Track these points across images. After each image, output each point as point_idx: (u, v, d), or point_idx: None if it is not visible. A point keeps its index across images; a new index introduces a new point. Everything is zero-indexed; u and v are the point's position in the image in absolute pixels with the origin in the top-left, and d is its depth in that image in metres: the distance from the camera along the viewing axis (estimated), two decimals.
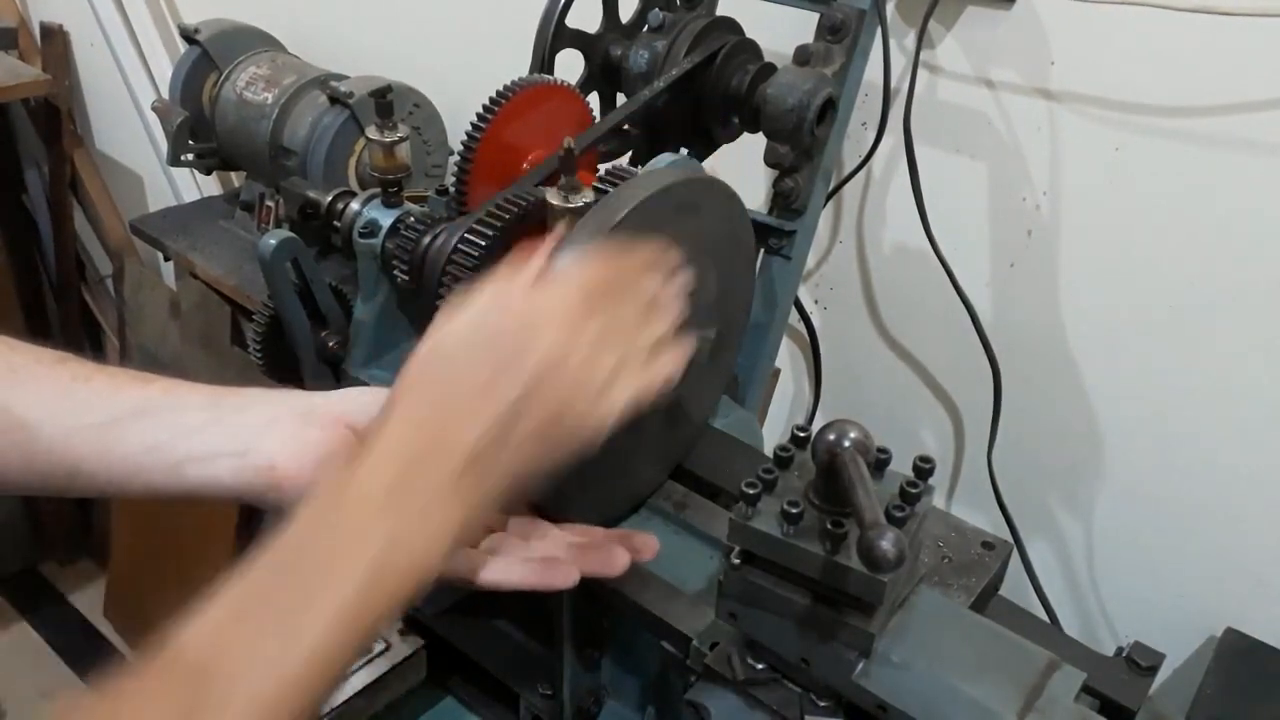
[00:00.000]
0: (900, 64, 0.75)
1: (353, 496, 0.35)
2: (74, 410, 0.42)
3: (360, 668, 0.63)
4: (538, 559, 0.45)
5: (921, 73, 0.76)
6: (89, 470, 0.42)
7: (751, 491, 0.43)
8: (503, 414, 0.37)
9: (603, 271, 0.41)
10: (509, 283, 0.40)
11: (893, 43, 0.72)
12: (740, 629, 0.47)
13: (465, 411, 0.37)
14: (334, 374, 0.61)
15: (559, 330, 0.38)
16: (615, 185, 0.51)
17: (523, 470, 0.38)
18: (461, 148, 0.56)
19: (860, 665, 0.43)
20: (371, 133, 0.56)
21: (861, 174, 0.82)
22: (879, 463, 0.44)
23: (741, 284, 0.57)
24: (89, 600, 1.77)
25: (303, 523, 0.35)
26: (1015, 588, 0.67)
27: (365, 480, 0.36)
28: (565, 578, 0.44)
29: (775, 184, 0.65)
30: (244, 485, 0.42)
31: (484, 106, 0.57)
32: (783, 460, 0.45)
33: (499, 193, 0.53)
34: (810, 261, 0.89)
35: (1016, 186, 0.76)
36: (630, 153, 0.66)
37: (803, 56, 0.62)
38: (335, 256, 0.60)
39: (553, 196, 0.47)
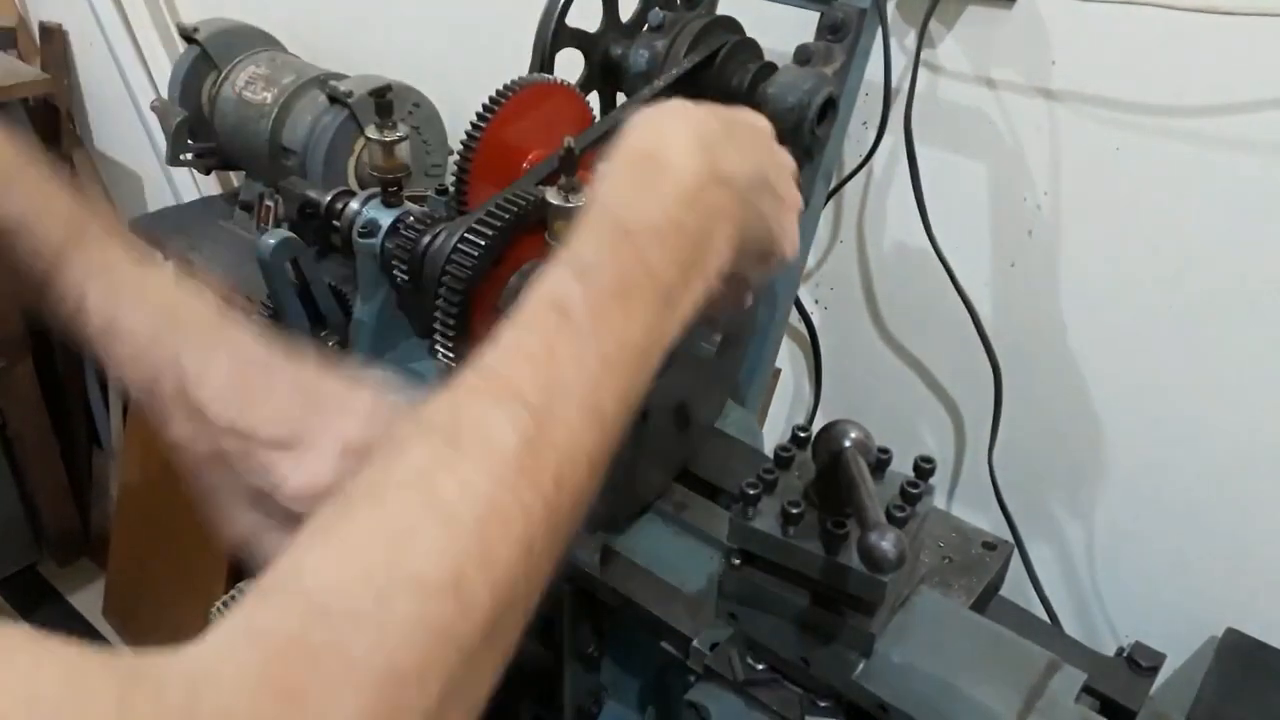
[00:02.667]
0: (901, 63, 0.75)
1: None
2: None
3: None
4: None
5: (922, 72, 0.76)
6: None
7: (752, 492, 0.43)
8: (763, 172, 0.38)
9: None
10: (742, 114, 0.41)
11: (893, 42, 0.71)
12: (740, 629, 0.47)
13: (737, 146, 0.38)
14: None
15: (789, 157, 0.41)
16: None
17: (748, 236, 0.38)
18: (461, 147, 0.56)
19: (861, 665, 0.43)
20: (371, 132, 0.56)
21: (862, 173, 0.82)
22: (879, 463, 0.44)
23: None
24: (89, 600, 1.77)
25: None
26: (1016, 588, 0.67)
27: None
28: None
29: None
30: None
31: (484, 106, 0.56)
32: (783, 460, 0.45)
33: (499, 192, 0.53)
34: (810, 261, 0.89)
35: (1017, 186, 0.76)
36: None
37: (803, 56, 0.62)
38: (335, 256, 0.60)
39: (553, 196, 0.47)
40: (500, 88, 0.57)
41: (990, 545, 0.57)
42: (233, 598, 0.71)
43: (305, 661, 0.22)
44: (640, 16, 0.66)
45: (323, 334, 0.60)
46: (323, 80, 1.07)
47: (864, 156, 0.80)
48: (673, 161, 0.35)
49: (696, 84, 0.63)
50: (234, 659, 0.22)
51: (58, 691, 0.20)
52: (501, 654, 0.27)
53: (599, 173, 0.36)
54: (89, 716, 0.20)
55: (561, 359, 0.30)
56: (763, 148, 0.40)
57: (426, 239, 0.52)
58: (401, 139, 0.56)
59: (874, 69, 0.69)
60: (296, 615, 0.23)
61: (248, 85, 1.12)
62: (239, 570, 1.18)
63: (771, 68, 0.63)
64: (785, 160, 0.41)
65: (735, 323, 0.57)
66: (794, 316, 0.84)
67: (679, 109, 0.38)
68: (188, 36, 1.16)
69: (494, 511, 0.26)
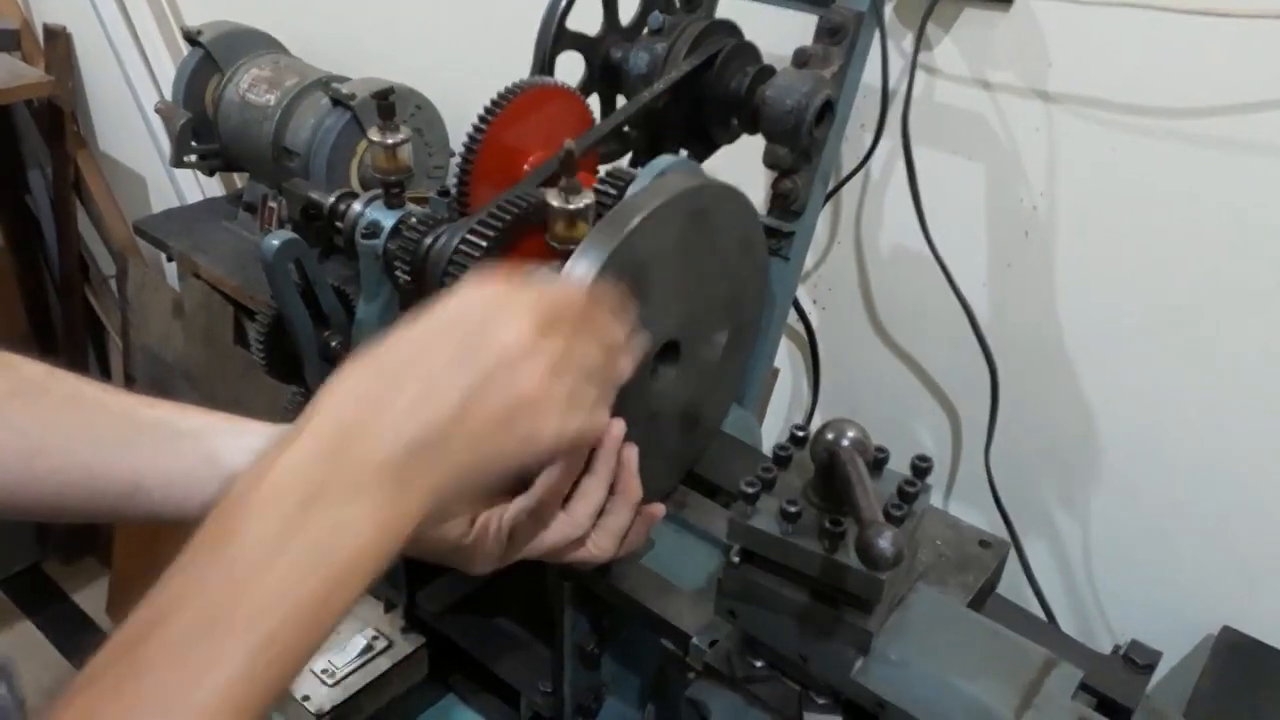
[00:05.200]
0: (898, 66, 0.76)
1: (271, 482, 0.33)
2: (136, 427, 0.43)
3: (362, 665, 0.63)
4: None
5: (919, 74, 0.76)
6: (148, 486, 0.42)
7: (751, 490, 0.43)
8: (454, 400, 0.35)
9: (577, 300, 0.40)
10: (486, 281, 0.39)
11: (891, 44, 0.72)
12: (739, 627, 0.47)
13: (417, 391, 0.35)
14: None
15: (526, 332, 0.37)
16: (615, 187, 0.52)
17: (472, 469, 0.36)
18: (463, 149, 0.57)
19: (859, 663, 0.44)
20: (373, 134, 0.56)
21: (860, 175, 0.82)
22: (877, 462, 0.44)
23: (753, 288, 0.58)
24: (92, 599, 1.77)
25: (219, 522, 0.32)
26: (1012, 586, 0.67)
27: (289, 463, 0.33)
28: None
29: (774, 185, 0.66)
30: None
31: (485, 108, 0.57)
32: (781, 459, 0.45)
33: (500, 194, 0.53)
34: (809, 262, 0.89)
35: (1014, 188, 0.77)
36: (630, 154, 0.66)
37: (801, 58, 0.63)
38: (337, 257, 0.60)
39: (553, 198, 0.47)
40: (501, 90, 0.58)
41: (987, 544, 0.58)
42: None
43: None
44: (640, 20, 0.67)
45: (326, 334, 0.61)
46: (325, 83, 1.07)
47: (862, 158, 0.80)
48: (274, 484, 0.32)
49: (695, 87, 0.63)
50: None
51: None
52: None
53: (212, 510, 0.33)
54: None
55: None
56: (460, 367, 0.35)
57: (429, 240, 0.53)
58: (404, 141, 0.56)
59: (871, 72, 0.69)
60: None
61: (251, 87, 1.13)
62: None
63: (770, 71, 0.63)
64: (511, 344, 0.36)
65: (740, 325, 0.57)
66: (792, 317, 0.85)
67: (327, 396, 0.35)
68: (191, 39, 1.17)
69: None
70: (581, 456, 0.46)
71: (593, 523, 0.48)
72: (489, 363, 0.36)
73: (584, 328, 0.39)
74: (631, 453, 0.47)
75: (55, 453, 0.43)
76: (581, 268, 0.44)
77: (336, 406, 0.35)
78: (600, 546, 0.49)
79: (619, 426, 0.47)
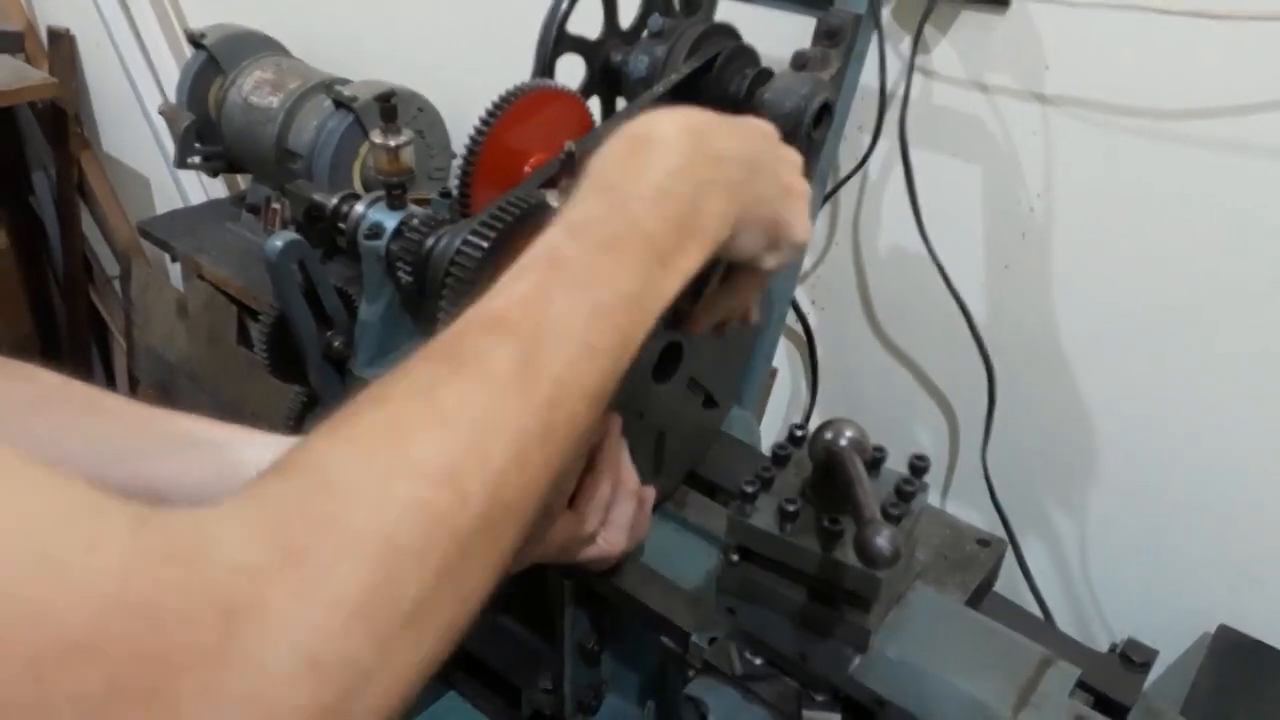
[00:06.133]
0: (896, 68, 0.76)
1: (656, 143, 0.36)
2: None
3: None
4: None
5: (917, 77, 0.76)
6: (166, 496, 0.43)
7: (749, 489, 0.43)
8: (762, 151, 0.40)
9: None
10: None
11: (888, 47, 0.72)
12: (738, 624, 0.47)
13: (734, 131, 0.39)
14: (339, 374, 0.62)
15: (793, 152, 0.42)
16: None
17: (748, 218, 0.39)
18: (464, 151, 0.57)
19: (857, 660, 0.44)
20: (376, 136, 0.56)
21: (858, 177, 0.83)
22: (875, 461, 0.44)
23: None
24: None
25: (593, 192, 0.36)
26: (1010, 585, 0.68)
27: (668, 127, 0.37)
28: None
29: None
30: None
31: (487, 111, 0.57)
32: (780, 459, 0.46)
33: (501, 196, 0.53)
34: (807, 263, 0.90)
35: (1011, 189, 0.77)
36: None
37: (799, 61, 0.63)
38: (340, 258, 0.60)
39: (554, 200, 0.48)
40: (502, 93, 0.58)
41: (984, 542, 0.58)
42: None
43: (308, 526, 0.24)
44: (640, 23, 0.67)
45: (328, 334, 0.61)
46: (328, 85, 1.08)
47: (860, 160, 0.81)
48: (661, 139, 0.37)
49: (695, 90, 0.64)
50: (241, 516, 0.23)
51: (72, 512, 0.21)
52: (498, 554, 0.29)
53: (593, 155, 0.38)
54: (102, 539, 0.21)
55: (554, 300, 0.32)
56: (760, 138, 0.41)
57: (430, 241, 0.53)
58: (406, 143, 0.57)
59: (869, 74, 0.69)
60: (302, 487, 0.25)
61: (254, 90, 1.13)
62: None
63: (768, 73, 0.63)
64: (789, 154, 0.43)
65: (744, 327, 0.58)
66: (791, 317, 0.85)
67: (674, 108, 0.39)
68: (195, 42, 1.18)
69: (489, 420, 0.28)
70: (583, 455, 0.47)
71: (600, 519, 0.48)
72: (779, 153, 0.42)
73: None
74: (623, 444, 0.48)
75: (75, 463, 0.43)
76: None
77: (683, 114, 0.38)
78: (611, 541, 0.49)
79: (619, 421, 0.47)
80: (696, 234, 0.36)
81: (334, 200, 0.58)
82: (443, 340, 0.31)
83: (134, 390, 1.55)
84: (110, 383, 1.83)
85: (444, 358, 0.30)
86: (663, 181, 0.36)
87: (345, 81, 1.09)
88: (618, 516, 0.49)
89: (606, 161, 0.37)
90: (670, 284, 0.35)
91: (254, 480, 0.25)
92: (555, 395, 0.30)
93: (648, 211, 0.35)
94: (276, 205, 1.20)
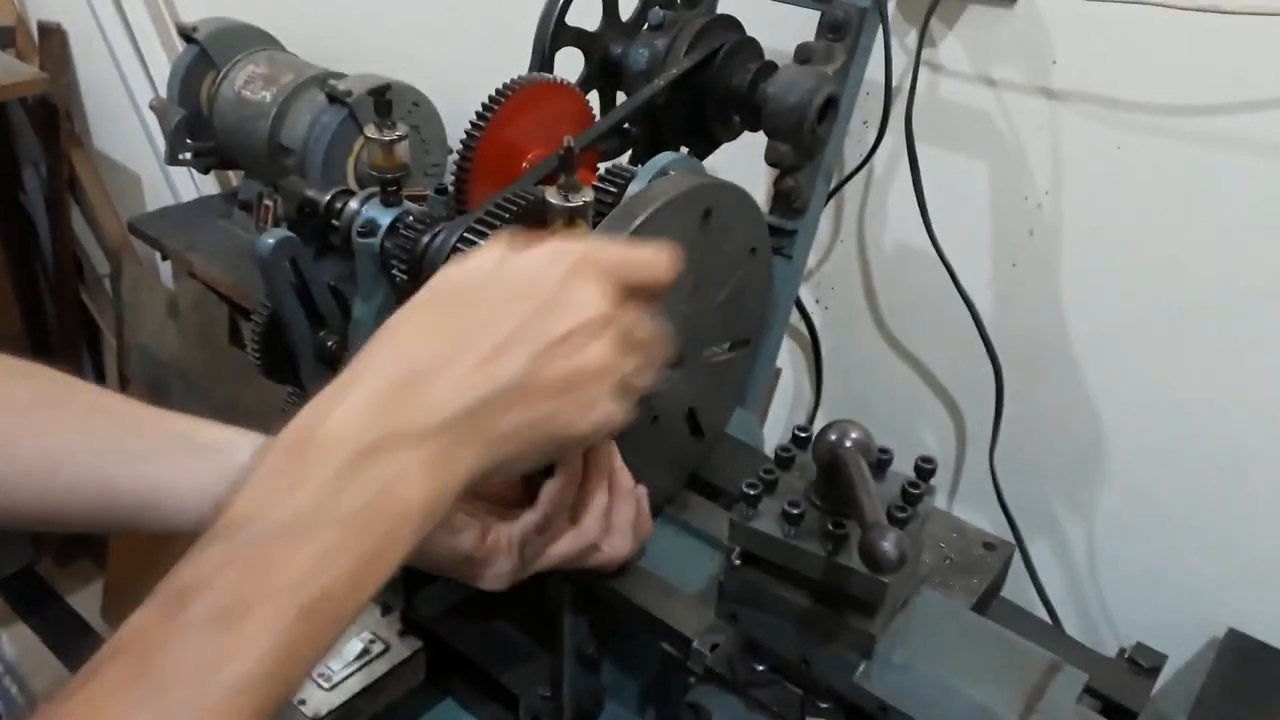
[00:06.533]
0: (902, 62, 0.75)
1: (331, 428, 0.31)
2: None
3: (359, 669, 0.62)
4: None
5: (923, 71, 0.76)
6: (163, 499, 0.42)
7: (752, 492, 0.42)
8: (523, 362, 0.33)
9: (654, 269, 0.37)
10: (552, 245, 0.36)
11: (894, 41, 0.71)
12: (741, 630, 0.46)
13: (488, 349, 0.33)
14: (333, 373, 0.61)
15: (602, 300, 0.35)
16: (615, 184, 0.51)
17: (526, 433, 0.34)
18: (461, 146, 0.56)
19: (861, 666, 0.43)
20: (370, 131, 0.56)
21: (863, 173, 0.82)
22: (880, 463, 0.44)
23: (760, 290, 0.57)
24: (87, 601, 1.76)
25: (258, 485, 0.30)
26: (1017, 588, 0.67)
27: (352, 407, 0.31)
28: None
29: (776, 183, 0.65)
30: None
31: (483, 105, 0.56)
32: (783, 461, 0.45)
33: (498, 192, 0.52)
34: (811, 261, 0.89)
35: (1018, 186, 0.76)
36: (630, 151, 0.66)
37: (804, 55, 0.62)
38: (334, 256, 0.59)
39: (552, 195, 0.47)
40: (500, 87, 0.57)
41: (991, 546, 0.57)
42: None
43: None
44: (640, 15, 0.66)
45: (321, 334, 0.60)
46: (322, 79, 1.06)
47: (865, 156, 0.80)
48: (325, 440, 0.31)
49: (696, 83, 0.63)
50: None
51: None
52: None
53: (250, 471, 0.31)
54: None
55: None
56: (525, 338, 0.33)
57: (426, 238, 0.52)
58: (401, 138, 0.56)
59: (875, 68, 0.68)
60: None
61: (246, 84, 1.12)
62: None
63: (772, 67, 0.62)
64: (576, 323, 0.34)
65: (746, 327, 0.57)
66: (794, 316, 0.84)
67: (384, 340, 0.33)
68: (187, 36, 1.16)
69: None
70: (579, 462, 0.46)
71: (602, 526, 0.47)
72: (563, 329, 0.34)
73: (642, 300, 0.37)
74: (614, 445, 0.47)
75: (76, 464, 0.42)
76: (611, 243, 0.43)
77: (401, 353, 0.33)
78: (615, 546, 0.48)
79: None
80: (386, 538, 0.30)
81: (327, 196, 0.57)
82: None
83: (124, 389, 1.54)
84: (101, 382, 1.82)
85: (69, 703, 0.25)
86: (314, 505, 0.29)
87: (339, 76, 1.08)
88: (619, 520, 0.48)
89: (250, 484, 0.30)
90: (341, 615, 0.29)
91: None
92: None
93: (284, 555, 0.28)
94: (269, 202, 1.19)
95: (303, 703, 0.60)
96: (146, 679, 0.26)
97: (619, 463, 0.48)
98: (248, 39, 1.17)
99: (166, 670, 0.27)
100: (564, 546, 0.47)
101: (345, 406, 0.32)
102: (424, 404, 0.32)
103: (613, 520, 0.48)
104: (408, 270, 0.53)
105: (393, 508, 0.31)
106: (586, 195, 0.47)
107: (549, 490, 0.45)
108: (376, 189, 0.56)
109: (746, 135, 0.66)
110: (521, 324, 0.34)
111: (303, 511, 0.30)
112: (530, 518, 0.46)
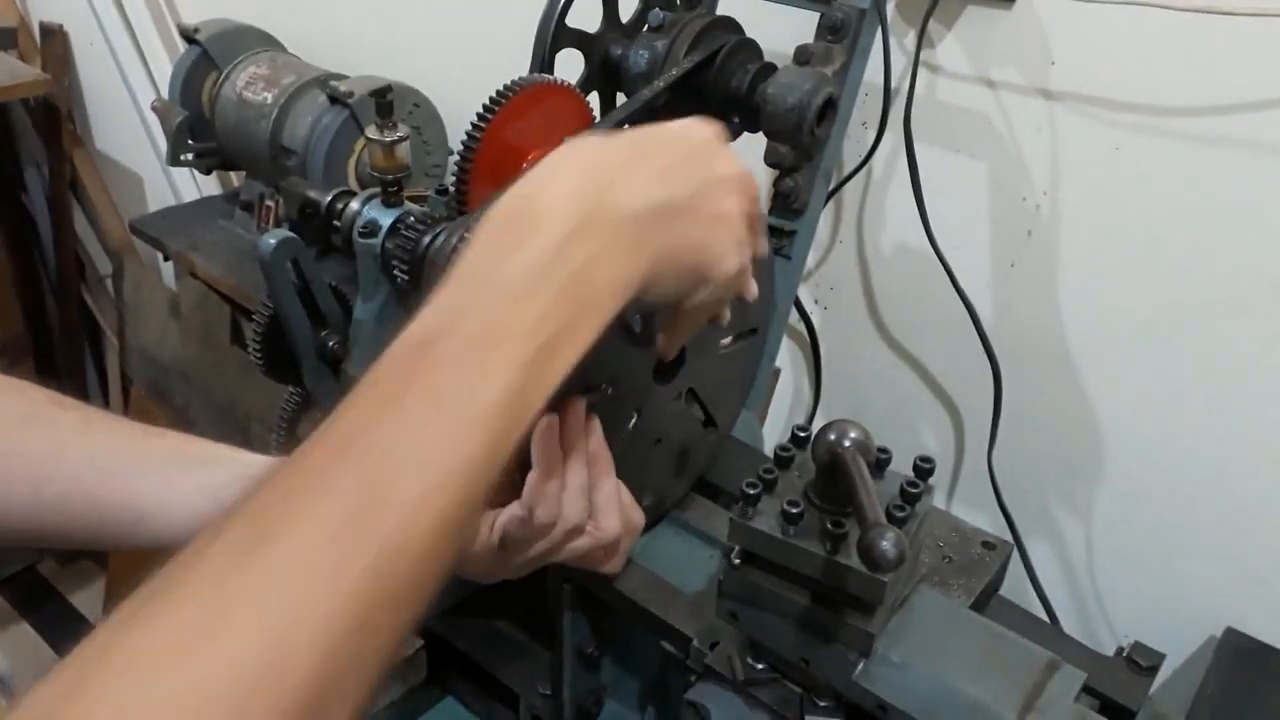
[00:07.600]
0: (900, 64, 0.75)
1: (541, 209, 0.34)
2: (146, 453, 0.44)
3: None
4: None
5: (922, 72, 0.76)
6: (151, 515, 0.43)
7: (752, 491, 0.43)
8: (688, 186, 0.37)
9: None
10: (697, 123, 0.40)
11: (893, 42, 0.71)
12: (740, 629, 0.47)
13: (660, 167, 0.36)
14: (334, 374, 0.61)
15: (736, 168, 0.39)
16: None
17: (684, 253, 0.37)
18: (461, 147, 0.56)
19: (860, 665, 0.44)
20: (371, 132, 0.56)
21: (862, 174, 0.82)
22: (879, 462, 0.44)
23: (763, 281, 0.57)
24: (89, 600, 1.77)
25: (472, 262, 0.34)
26: (1015, 588, 0.67)
27: (557, 192, 0.34)
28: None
29: (775, 184, 0.65)
30: None
31: (484, 106, 0.56)
32: (783, 460, 0.45)
33: (499, 192, 0.53)
34: (810, 261, 0.89)
35: (1017, 186, 0.76)
36: None
37: (803, 56, 0.62)
38: (335, 256, 0.59)
39: None
40: (500, 88, 0.57)
41: (990, 545, 0.57)
42: None
43: None
44: (640, 17, 0.66)
45: (323, 334, 0.60)
46: (323, 80, 1.07)
47: (864, 157, 0.80)
48: (542, 214, 0.34)
49: (696, 84, 0.63)
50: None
51: None
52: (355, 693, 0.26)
53: (470, 237, 0.35)
54: None
55: (402, 424, 0.29)
56: (687, 164, 0.38)
57: (427, 239, 0.52)
58: (402, 139, 0.56)
59: (873, 69, 0.69)
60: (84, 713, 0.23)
61: (248, 85, 1.12)
62: None
63: (771, 68, 0.63)
64: (724, 168, 0.39)
65: (750, 329, 0.57)
66: (794, 316, 0.84)
67: (576, 147, 0.37)
68: (188, 37, 1.17)
69: (290, 620, 0.25)
70: (558, 450, 0.45)
71: (583, 506, 0.46)
72: (721, 172, 0.39)
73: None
74: (595, 422, 0.47)
75: (64, 480, 0.43)
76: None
77: (589, 157, 0.36)
78: (604, 527, 0.47)
79: (581, 404, 0.46)
80: (586, 309, 0.34)
81: (328, 197, 0.57)
82: (257, 500, 0.28)
83: (126, 390, 1.54)
84: (103, 382, 1.82)
85: (255, 519, 0.27)
86: (536, 268, 0.33)
87: (341, 77, 1.08)
88: (600, 499, 0.47)
89: (475, 252, 0.34)
90: (555, 369, 0.33)
91: (42, 683, 0.24)
92: (381, 565, 0.27)
93: (516, 307, 0.32)
94: (270, 203, 1.19)
95: None
96: (413, 389, 0.30)
97: (598, 440, 0.47)
98: (249, 40, 1.17)
99: (430, 385, 0.30)
100: (551, 536, 0.46)
101: (551, 192, 0.35)
102: (615, 198, 0.35)
103: (595, 500, 0.47)
104: (409, 271, 0.53)
105: (591, 284, 0.34)
106: None
107: (530, 481, 0.45)
108: (377, 190, 0.56)
109: (746, 136, 0.67)
110: (688, 156, 0.38)
111: (529, 270, 0.33)
112: (514, 510, 0.46)
